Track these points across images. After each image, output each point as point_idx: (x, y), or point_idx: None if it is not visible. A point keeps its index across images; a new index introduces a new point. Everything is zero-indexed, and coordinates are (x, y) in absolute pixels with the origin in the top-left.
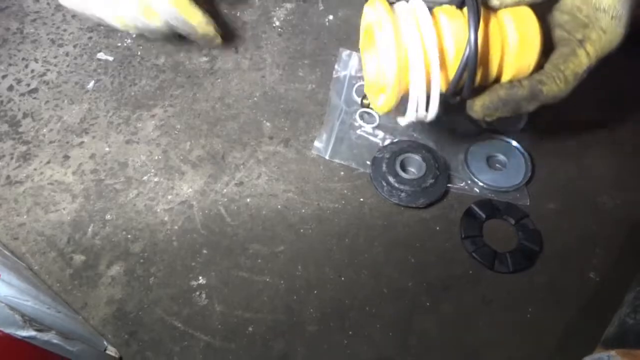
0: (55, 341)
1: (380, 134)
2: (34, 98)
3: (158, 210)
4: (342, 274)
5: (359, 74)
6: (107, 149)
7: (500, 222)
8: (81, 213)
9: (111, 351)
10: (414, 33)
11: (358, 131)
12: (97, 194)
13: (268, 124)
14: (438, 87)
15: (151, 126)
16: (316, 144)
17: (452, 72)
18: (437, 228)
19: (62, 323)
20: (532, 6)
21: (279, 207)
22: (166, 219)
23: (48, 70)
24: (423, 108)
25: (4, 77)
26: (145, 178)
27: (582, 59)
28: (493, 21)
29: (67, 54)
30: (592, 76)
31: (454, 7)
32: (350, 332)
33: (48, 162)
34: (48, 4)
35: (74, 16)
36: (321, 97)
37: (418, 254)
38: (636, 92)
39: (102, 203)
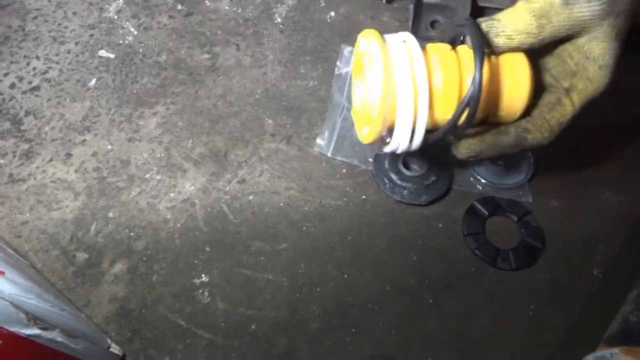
0: (59, 339)
1: None
2: (36, 96)
3: (160, 208)
4: (345, 271)
5: None
6: (109, 146)
7: (502, 219)
8: (84, 211)
9: (114, 349)
10: (404, 69)
11: None
12: (99, 191)
13: (270, 121)
14: (424, 124)
15: (153, 124)
16: (318, 141)
17: (439, 111)
18: (440, 225)
19: (66, 321)
20: (526, 51)
21: (282, 204)
22: (169, 216)
23: (50, 67)
24: (406, 143)
25: (5, 74)
26: (147, 176)
27: (567, 108)
28: (487, 64)
29: (68, 52)
30: None
31: (447, 45)
32: (353, 330)
33: (50, 160)
34: (49, 1)
35: (75, 13)
36: (323, 94)
37: (420, 251)
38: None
39: (104, 201)
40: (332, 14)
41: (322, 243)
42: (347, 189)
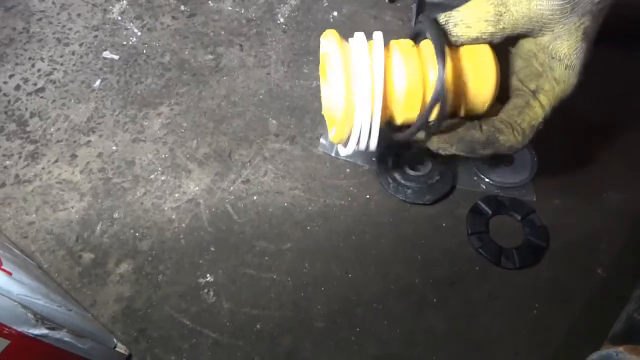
0: (66, 339)
1: None
2: (41, 97)
3: (165, 208)
4: (349, 270)
5: None
6: (114, 147)
7: (506, 218)
8: (89, 211)
9: (121, 348)
10: (362, 66)
11: None
12: (104, 192)
13: (274, 121)
14: (378, 120)
15: (157, 124)
16: (322, 141)
17: (405, 108)
18: (444, 224)
19: (73, 321)
20: (490, 45)
21: (286, 204)
22: (173, 217)
23: (54, 69)
24: (365, 141)
25: (11, 76)
26: (152, 176)
27: (537, 111)
28: (450, 57)
29: (73, 53)
30: (597, 74)
31: (409, 41)
32: (358, 329)
33: (56, 161)
34: (53, 3)
35: (79, 15)
36: None
37: (424, 250)
38: None
39: (109, 201)
40: (335, 14)
41: (326, 242)
42: (351, 188)
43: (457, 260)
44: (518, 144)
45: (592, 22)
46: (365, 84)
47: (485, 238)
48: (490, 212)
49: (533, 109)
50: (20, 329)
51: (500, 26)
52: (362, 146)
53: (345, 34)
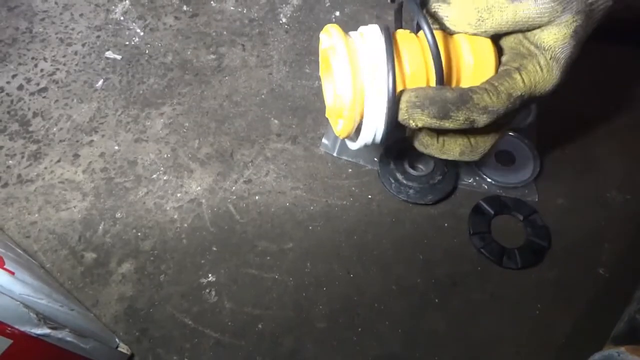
0: (69, 339)
1: None
2: (44, 97)
3: (167, 208)
4: (351, 270)
5: None
6: (116, 147)
7: (508, 218)
8: (92, 211)
9: (123, 348)
10: (369, 58)
11: None
12: (107, 192)
13: (276, 121)
14: (391, 108)
15: (160, 124)
16: (324, 141)
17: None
18: (446, 224)
19: (75, 321)
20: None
21: (288, 204)
22: (176, 216)
23: (57, 69)
24: (381, 133)
25: (14, 76)
26: (154, 176)
27: (518, 83)
28: (450, 45)
29: (75, 53)
30: (600, 73)
31: (408, 31)
32: (359, 329)
33: (58, 161)
34: (56, 3)
35: (81, 15)
36: None
37: (426, 250)
38: None
39: (112, 201)
40: (337, 13)
41: (328, 242)
42: (353, 188)
43: (459, 260)
44: (493, 105)
45: (584, 21)
46: (379, 71)
47: (487, 238)
48: (492, 212)
49: (514, 79)
50: (22, 329)
51: (482, 29)
52: (372, 136)
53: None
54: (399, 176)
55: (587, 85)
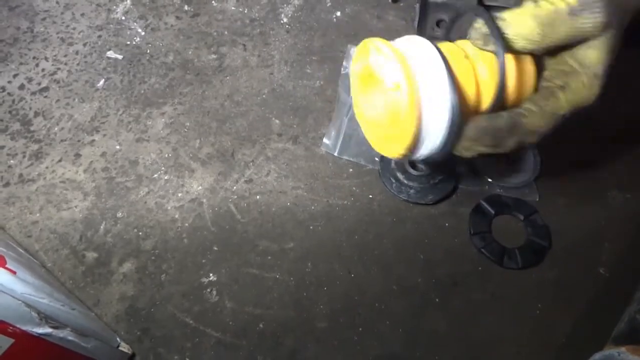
0: (70, 338)
1: None
2: (45, 97)
3: (169, 207)
4: (352, 270)
5: None
6: (117, 147)
7: (509, 218)
8: (93, 211)
9: (124, 347)
10: (432, 63)
11: None
12: (108, 191)
13: (277, 121)
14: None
15: (161, 124)
16: (325, 140)
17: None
18: (446, 224)
19: (77, 320)
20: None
21: (289, 204)
22: (177, 216)
23: (58, 69)
24: (444, 145)
25: (15, 76)
26: (155, 176)
27: (562, 102)
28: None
29: (77, 53)
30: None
31: (449, 42)
32: (360, 329)
33: (60, 161)
34: (57, 2)
35: (83, 14)
36: (329, 94)
37: (427, 250)
38: None
39: (113, 201)
40: (338, 13)
41: (329, 242)
42: (354, 188)
43: (460, 260)
44: (541, 127)
45: (620, 32)
46: (441, 81)
47: (487, 238)
48: (492, 212)
49: (558, 100)
50: (24, 328)
51: (542, 46)
52: (445, 149)
53: (349, 34)
54: (400, 176)
55: None
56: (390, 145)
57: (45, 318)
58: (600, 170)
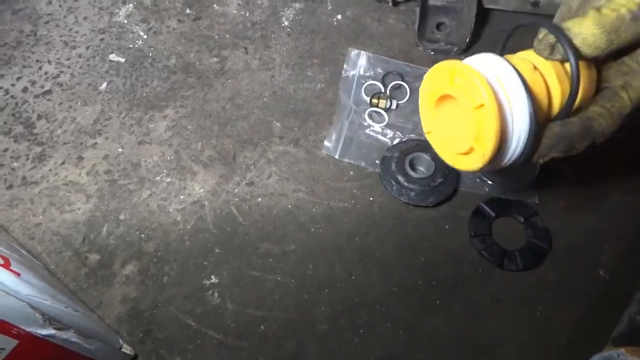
0: (73, 339)
1: (390, 133)
2: (48, 100)
3: (171, 210)
4: (353, 272)
5: (367, 74)
6: (120, 149)
7: (509, 220)
8: (95, 213)
9: (126, 349)
10: (512, 80)
11: (367, 130)
12: (110, 194)
13: (278, 123)
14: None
15: (163, 127)
16: (326, 143)
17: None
18: (447, 227)
19: (80, 321)
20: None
21: (290, 206)
22: (179, 218)
23: (61, 72)
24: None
25: (18, 79)
26: (157, 178)
27: (625, 101)
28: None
29: (79, 56)
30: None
31: (518, 56)
32: (361, 330)
33: (63, 163)
34: (60, 6)
35: (85, 18)
36: (330, 97)
37: (427, 252)
38: None
39: (115, 203)
40: (339, 17)
41: (330, 245)
42: (355, 191)
43: (460, 262)
44: (609, 127)
45: None
46: (521, 97)
47: (488, 240)
48: (493, 214)
49: (622, 99)
50: (29, 329)
51: (607, 52)
52: (519, 158)
53: (350, 37)
54: (400, 178)
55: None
56: (470, 160)
57: (49, 320)
58: (599, 173)
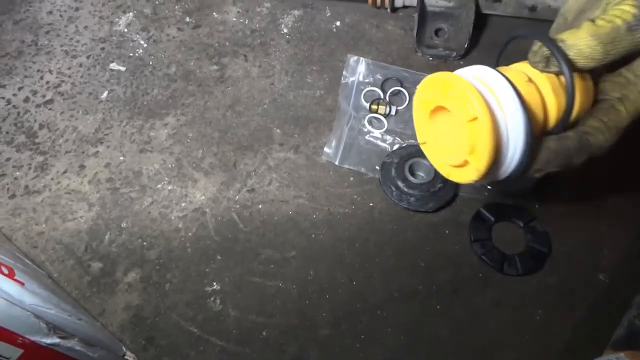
0: (77, 348)
1: (389, 138)
2: (50, 109)
3: (172, 217)
4: (354, 278)
5: (366, 80)
6: (121, 158)
7: (509, 224)
8: (98, 221)
9: (130, 356)
10: (506, 92)
11: (367, 136)
12: (112, 202)
13: (278, 130)
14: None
15: (164, 135)
16: (326, 149)
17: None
18: (447, 232)
19: (83, 330)
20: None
21: (290, 213)
22: (180, 226)
23: (62, 81)
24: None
25: (20, 88)
26: (159, 186)
27: (622, 114)
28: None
29: (80, 65)
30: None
31: (512, 68)
32: (362, 336)
33: (65, 172)
34: (61, 15)
35: (86, 27)
36: (330, 103)
37: (428, 257)
38: None
39: (117, 211)
40: (338, 23)
41: (330, 250)
42: (355, 196)
43: (460, 267)
44: (606, 142)
45: None
46: (515, 110)
47: (487, 245)
48: (492, 219)
49: (618, 112)
50: (33, 338)
51: (604, 63)
52: (514, 172)
53: (349, 44)
54: (400, 184)
55: None
56: (464, 173)
57: (54, 328)
58: (599, 177)
